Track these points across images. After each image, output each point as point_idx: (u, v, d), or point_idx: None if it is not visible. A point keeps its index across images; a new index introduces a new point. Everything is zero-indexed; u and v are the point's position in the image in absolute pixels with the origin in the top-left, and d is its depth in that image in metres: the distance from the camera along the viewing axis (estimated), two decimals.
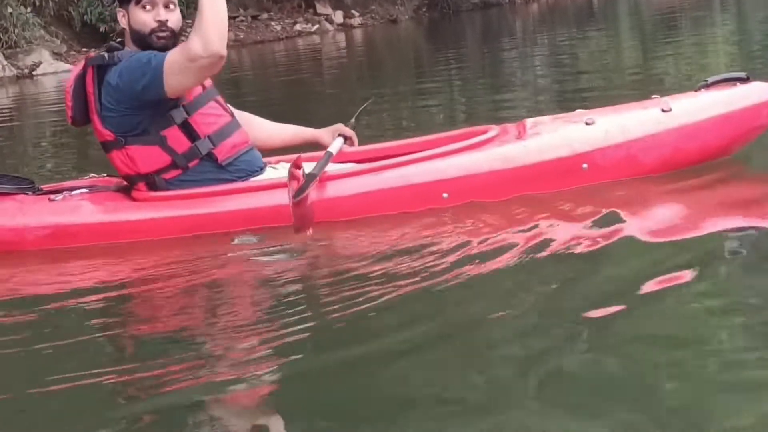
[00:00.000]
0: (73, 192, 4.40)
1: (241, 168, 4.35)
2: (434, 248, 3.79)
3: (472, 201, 4.30)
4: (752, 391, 2.38)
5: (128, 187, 4.40)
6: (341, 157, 4.61)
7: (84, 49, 20.35)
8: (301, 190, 4.00)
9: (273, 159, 4.63)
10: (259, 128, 4.73)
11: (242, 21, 24.52)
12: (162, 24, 4.20)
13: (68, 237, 4.28)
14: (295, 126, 4.86)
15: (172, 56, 4.05)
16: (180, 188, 4.29)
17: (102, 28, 20.52)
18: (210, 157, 4.28)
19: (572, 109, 4.97)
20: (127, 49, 4.27)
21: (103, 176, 4.65)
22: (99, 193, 4.44)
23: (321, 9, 25.90)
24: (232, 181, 4.31)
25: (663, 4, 22.98)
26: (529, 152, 4.43)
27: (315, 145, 4.71)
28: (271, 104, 10.41)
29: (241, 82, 14.59)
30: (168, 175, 4.28)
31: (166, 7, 4.22)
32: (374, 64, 16.41)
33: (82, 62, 4.35)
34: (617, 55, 13.12)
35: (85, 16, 20.55)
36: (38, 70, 19.14)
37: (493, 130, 4.61)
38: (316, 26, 25.02)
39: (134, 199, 4.35)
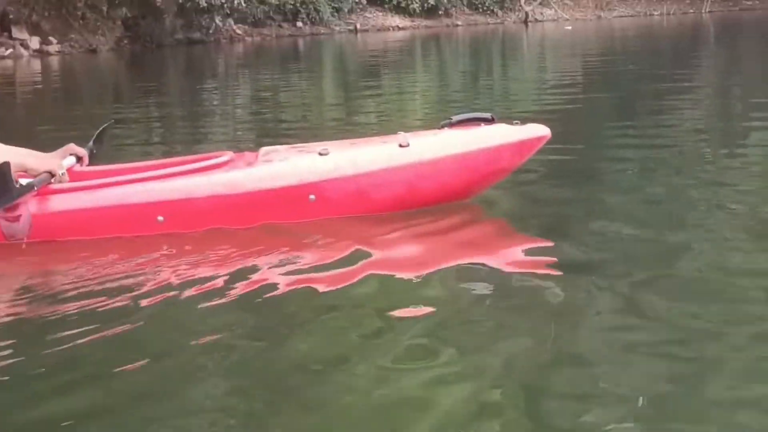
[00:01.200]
0: None
1: None
2: (136, 277, 3.62)
3: (191, 228, 4.14)
4: None
5: None
6: (77, 177, 4.42)
7: None
8: (8, 199, 3.92)
9: None
10: None
11: None
12: None
13: None
14: (27, 150, 4.47)
15: None
16: None
17: None
18: None
19: (275, 143, 4.83)
20: None
21: None
22: None
23: (17, 33, 24.83)
24: None
25: (366, 52, 23.42)
26: (255, 179, 4.26)
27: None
28: None
29: None
30: None
31: None
32: (71, 92, 15.71)
33: None
34: (318, 93, 13.11)
35: None
36: None
37: (227, 155, 4.42)
38: (10, 50, 23.94)
39: None
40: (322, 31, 34.55)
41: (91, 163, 4.73)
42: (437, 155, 4.42)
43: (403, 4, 38.52)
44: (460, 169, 4.46)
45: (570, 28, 34.03)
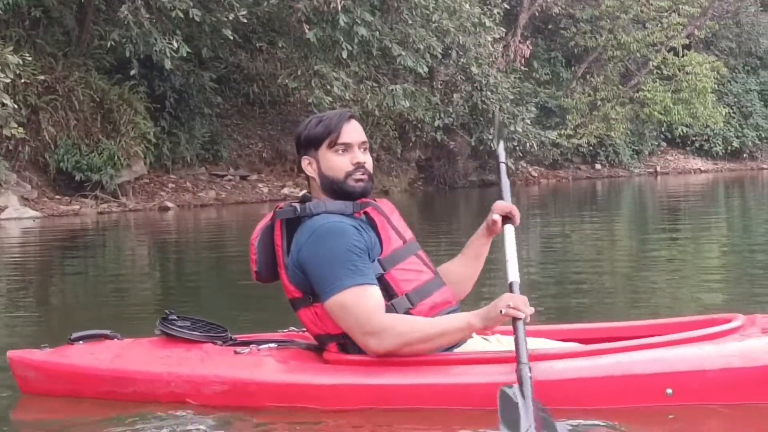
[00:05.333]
0: (261, 346, 4.07)
1: None
2: None
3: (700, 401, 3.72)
4: None
5: (320, 347, 4.02)
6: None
7: (57, 197, 19.55)
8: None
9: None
10: (448, 275, 4.17)
11: (229, 180, 23.72)
12: (360, 165, 3.91)
13: (246, 395, 3.92)
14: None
15: (353, 310, 3.76)
16: None
17: (78, 177, 19.61)
18: None
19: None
20: (318, 201, 3.93)
21: (302, 331, 4.23)
22: (287, 350, 4.09)
23: None
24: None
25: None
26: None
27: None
28: None
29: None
30: None
31: (360, 149, 3.93)
32: None
33: (270, 214, 4.05)
34: (608, 241, 12.17)
35: (61, 164, 19.56)
36: (2, 215, 18.23)
37: (738, 319, 3.97)
38: (304, 191, 24.12)
39: (325, 361, 3.96)
40: (621, 173, 33.62)
41: None
42: None
43: (705, 147, 37.17)
44: None
45: None
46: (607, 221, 16.25)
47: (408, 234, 4.01)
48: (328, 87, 20.63)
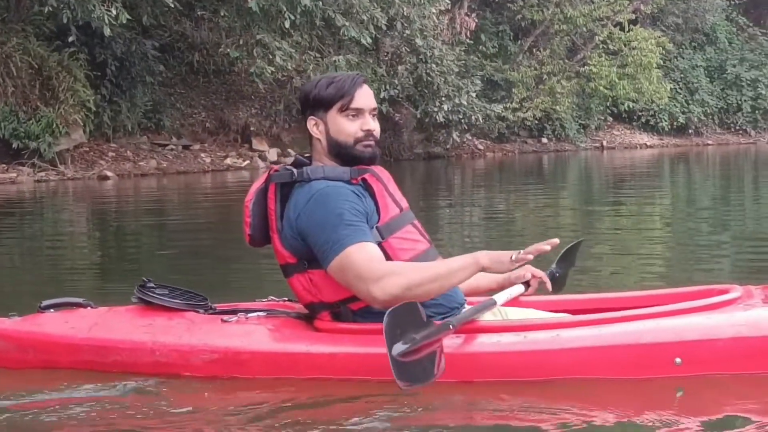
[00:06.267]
0: (249, 315, 3.98)
1: (438, 302, 3.82)
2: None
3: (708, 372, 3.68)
4: None
5: (310, 315, 3.96)
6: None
7: None
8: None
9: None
10: None
11: (171, 150, 23.49)
12: (370, 132, 3.86)
13: (238, 365, 3.83)
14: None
15: (354, 265, 3.67)
16: (369, 321, 3.77)
17: (15, 144, 19.30)
18: None
19: None
20: (318, 165, 3.89)
21: (284, 300, 4.22)
22: (277, 319, 4.00)
23: (257, 145, 25.00)
24: (429, 317, 3.62)
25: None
26: None
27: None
28: None
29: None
30: (356, 305, 3.82)
31: (371, 115, 3.89)
32: None
33: (264, 176, 3.96)
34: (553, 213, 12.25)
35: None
36: None
37: (738, 289, 3.98)
38: (247, 162, 24.04)
39: (317, 329, 3.88)
40: (567, 147, 33.74)
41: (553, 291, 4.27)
42: None
43: (651, 122, 37.39)
44: None
45: None
46: (553, 195, 16.34)
47: (404, 202, 3.96)
48: (271, 57, 20.46)
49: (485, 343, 3.70)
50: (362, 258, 3.66)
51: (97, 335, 3.98)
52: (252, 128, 25.50)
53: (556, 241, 3.68)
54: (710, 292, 4.05)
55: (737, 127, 39.96)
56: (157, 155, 22.87)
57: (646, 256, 8.00)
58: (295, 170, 3.85)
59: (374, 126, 3.89)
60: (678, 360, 3.67)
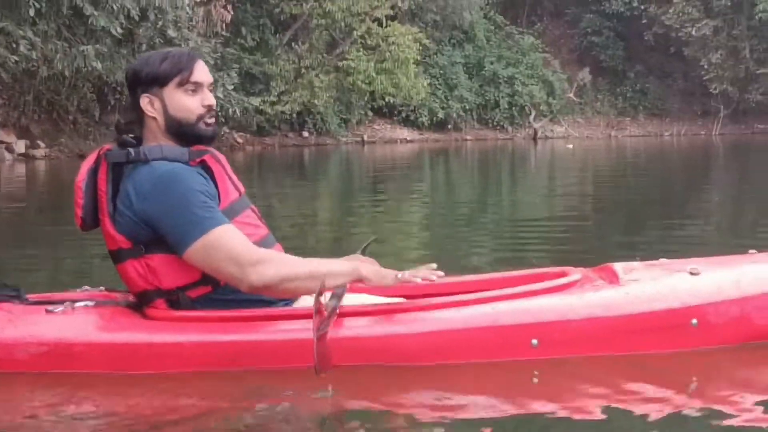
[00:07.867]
0: (76, 304, 3.68)
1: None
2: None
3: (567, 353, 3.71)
4: None
5: (140, 303, 3.72)
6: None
7: None
8: (324, 324, 3.44)
9: None
10: None
11: None
12: (210, 108, 3.70)
13: (70, 358, 3.55)
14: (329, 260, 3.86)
15: (227, 246, 3.52)
16: (208, 308, 3.63)
17: None
18: None
19: None
20: (154, 145, 3.65)
21: (100, 289, 3.94)
22: (107, 308, 3.72)
23: (3, 136, 24.17)
24: (269, 304, 3.66)
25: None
26: (632, 300, 3.79)
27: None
28: None
29: None
30: (195, 293, 3.65)
31: (209, 89, 3.73)
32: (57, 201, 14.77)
33: (94, 155, 3.71)
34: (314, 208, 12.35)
35: None
36: None
37: (577, 272, 4.01)
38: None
39: (151, 318, 3.64)
40: (328, 141, 34.01)
41: None
42: None
43: (411, 117, 38.09)
44: None
45: (571, 146, 33.25)
46: (311, 187, 16.49)
47: (241, 186, 3.80)
48: (14, 45, 19.78)
49: (344, 327, 3.61)
50: (236, 240, 3.53)
51: None
52: None
53: (441, 273, 3.69)
54: (548, 275, 4.07)
55: (495, 123, 41.11)
56: None
57: (415, 247, 8.16)
58: (132, 150, 3.63)
59: (214, 101, 3.75)
60: (534, 341, 3.68)
